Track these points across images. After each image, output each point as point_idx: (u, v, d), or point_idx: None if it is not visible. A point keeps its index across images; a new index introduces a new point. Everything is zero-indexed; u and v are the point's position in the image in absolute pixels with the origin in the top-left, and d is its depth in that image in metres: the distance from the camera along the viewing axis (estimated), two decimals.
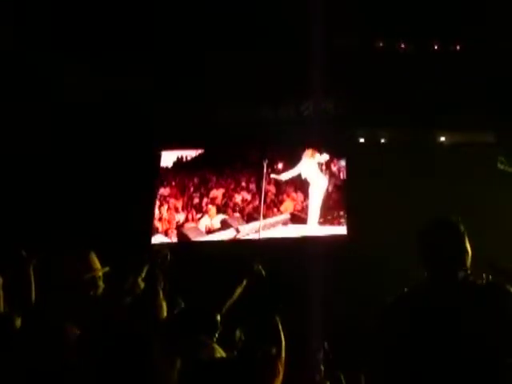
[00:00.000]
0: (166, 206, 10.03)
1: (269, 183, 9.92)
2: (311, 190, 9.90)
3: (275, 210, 9.83)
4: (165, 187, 10.14)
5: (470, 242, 2.36)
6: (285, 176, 9.84)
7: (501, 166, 10.60)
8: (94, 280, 3.03)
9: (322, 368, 6.06)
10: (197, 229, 9.80)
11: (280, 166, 9.99)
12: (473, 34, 10.76)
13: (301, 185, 10.05)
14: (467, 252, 2.33)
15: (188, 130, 10.91)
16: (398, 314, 2.31)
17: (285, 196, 9.89)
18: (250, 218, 9.78)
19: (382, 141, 11.84)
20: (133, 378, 1.17)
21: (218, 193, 9.94)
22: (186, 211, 9.90)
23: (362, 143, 11.79)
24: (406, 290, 2.44)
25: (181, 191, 10.00)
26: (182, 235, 9.75)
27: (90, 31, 9.44)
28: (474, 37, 10.83)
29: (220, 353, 3.73)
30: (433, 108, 10.50)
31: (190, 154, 10.29)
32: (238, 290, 3.23)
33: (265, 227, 9.67)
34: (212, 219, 9.82)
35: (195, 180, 10.04)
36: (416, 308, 2.26)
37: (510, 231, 9.50)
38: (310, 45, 10.53)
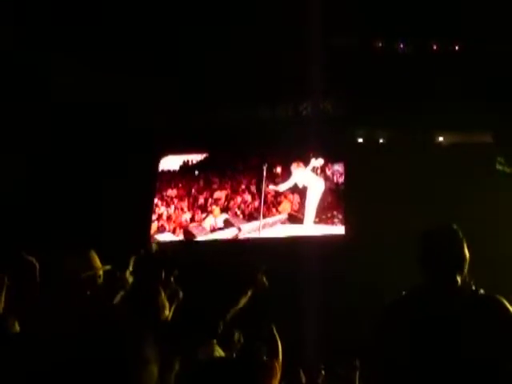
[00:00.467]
0: (173, 207, 10.70)
1: (268, 185, 10.58)
2: (309, 193, 10.45)
3: (274, 210, 10.48)
4: (172, 189, 10.83)
5: (468, 244, 2.37)
6: (282, 187, 10.53)
7: (499, 167, 10.61)
8: (94, 278, 2.95)
9: (323, 372, 6.00)
10: (202, 227, 10.49)
11: (278, 169, 10.66)
12: (471, 35, 10.77)
13: (297, 187, 10.74)
14: (465, 258, 2.33)
15: (189, 132, 10.97)
16: (395, 317, 2.31)
17: (283, 197, 10.57)
18: (250, 217, 10.46)
19: (381, 141, 11.85)
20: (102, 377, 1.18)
21: (221, 194, 10.69)
22: (191, 211, 10.64)
23: (360, 143, 11.81)
24: (403, 293, 2.43)
25: (187, 193, 10.81)
26: (188, 233, 10.46)
27: (90, 32, 9.43)
28: (473, 37, 10.85)
29: (219, 353, 3.75)
30: (431, 108, 10.50)
31: (194, 158, 10.98)
32: (243, 301, 3.25)
33: (264, 226, 10.34)
34: (216, 218, 10.54)
35: (200, 182, 10.78)
36: (413, 312, 2.25)
37: (509, 230, 9.51)
38: (308, 45, 10.55)
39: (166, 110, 10.87)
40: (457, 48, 11.28)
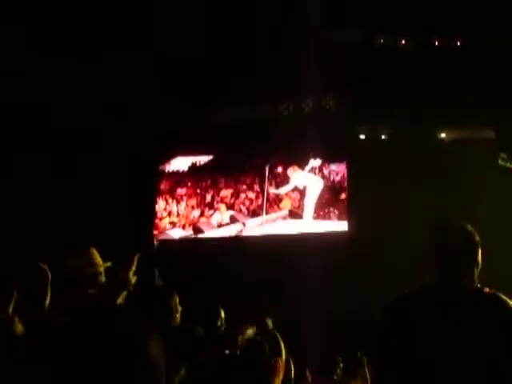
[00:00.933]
0: (183, 204, 11.52)
1: (270, 184, 11.24)
2: (308, 191, 11.07)
3: (276, 207, 11.18)
4: (181, 188, 11.67)
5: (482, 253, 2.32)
6: (282, 190, 11.22)
7: (502, 162, 10.58)
8: (95, 275, 2.97)
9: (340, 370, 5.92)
10: (209, 223, 11.31)
11: (280, 169, 11.33)
12: (473, 30, 10.73)
13: (297, 188, 11.39)
14: (478, 263, 2.30)
15: (190, 130, 11.06)
16: (400, 314, 2.29)
17: (283, 195, 11.22)
18: (254, 213, 11.25)
19: (383, 137, 11.84)
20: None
21: (227, 193, 11.47)
22: (200, 208, 11.47)
23: (362, 140, 11.80)
24: (406, 290, 2.41)
25: (195, 191, 11.60)
26: (196, 228, 11.28)
27: (90, 37, 9.40)
28: (475, 33, 10.81)
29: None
30: (433, 104, 10.47)
31: (202, 159, 11.77)
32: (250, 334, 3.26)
33: (267, 222, 11.07)
34: (222, 215, 11.33)
35: (208, 182, 11.61)
36: (418, 310, 2.24)
37: (511, 225, 9.50)
38: (310, 41, 10.52)
39: (167, 110, 10.96)
40: (459, 43, 11.23)
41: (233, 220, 11.23)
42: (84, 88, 9.94)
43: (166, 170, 11.84)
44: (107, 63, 9.95)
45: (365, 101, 11.07)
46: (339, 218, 10.79)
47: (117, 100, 10.41)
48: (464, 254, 2.28)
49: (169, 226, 11.44)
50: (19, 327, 2.75)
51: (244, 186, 11.41)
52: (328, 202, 10.88)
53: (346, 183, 11.00)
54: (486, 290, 2.25)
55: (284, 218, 11.06)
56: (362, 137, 11.79)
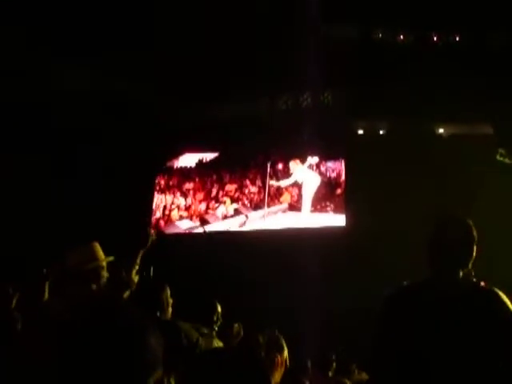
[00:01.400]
0: (190, 198, 12.36)
1: (271, 179, 12.04)
2: (306, 186, 11.79)
3: (276, 200, 11.93)
4: (189, 183, 12.46)
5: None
6: (283, 183, 11.95)
7: (500, 158, 10.58)
8: (97, 270, 2.93)
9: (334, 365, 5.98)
10: (215, 215, 12.09)
11: (280, 166, 12.11)
12: (472, 26, 10.71)
13: (297, 182, 12.11)
14: (473, 256, 2.33)
15: (190, 128, 11.11)
16: (397, 308, 2.31)
17: (284, 190, 11.98)
18: (256, 206, 11.99)
19: (381, 132, 11.85)
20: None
21: (231, 187, 12.27)
22: (206, 201, 12.26)
23: (360, 135, 11.81)
24: (405, 283, 2.42)
25: (202, 186, 12.40)
26: (203, 220, 12.05)
27: (90, 37, 9.42)
28: (474, 28, 10.79)
29: (219, 345, 3.78)
30: (432, 100, 10.46)
31: (208, 156, 12.62)
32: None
33: (268, 214, 11.82)
34: (227, 208, 12.10)
35: (213, 177, 12.42)
36: (415, 303, 2.26)
37: (509, 221, 9.50)
38: (308, 36, 10.51)
39: (166, 109, 11.00)
40: (457, 39, 11.22)
41: (237, 213, 12.00)
42: (84, 88, 9.98)
43: (175, 166, 12.63)
44: (107, 63, 9.97)
45: (363, 96, 11.08)
46: (335, 211, 11.52)
47: (117, 100, 10.45)
48: (463, 246, 2.32)
49: (177, 218, 12.19)
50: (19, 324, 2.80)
51: (247, 181, 12.17)
52: (324, 196, 11.60)
53: (341, 179, 11.62)
54: (482, 284, 2.29)
55: (284, 211, 11.81)
56: (361, 132, 11.82)
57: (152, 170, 12.13)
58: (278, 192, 11.87)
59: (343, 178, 11.54)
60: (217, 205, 12.11)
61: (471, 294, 2.25)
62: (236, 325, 4.78)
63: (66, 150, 10.02)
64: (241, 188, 12.13)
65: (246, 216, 11.86)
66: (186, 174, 12.54)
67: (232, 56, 10.50)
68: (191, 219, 12.11)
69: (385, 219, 9.83)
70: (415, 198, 9.69)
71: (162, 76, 10.44)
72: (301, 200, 11.74)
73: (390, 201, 10.00)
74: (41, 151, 9.57)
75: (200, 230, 11.78)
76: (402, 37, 11.44)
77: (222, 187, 12.25)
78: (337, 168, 11.74)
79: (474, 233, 2.35)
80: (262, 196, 11.91)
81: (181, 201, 12.30)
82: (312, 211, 11.61)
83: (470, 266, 2.33)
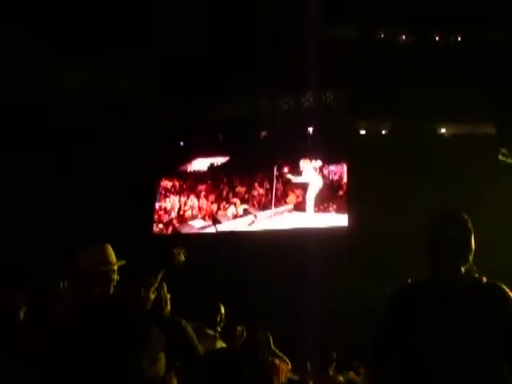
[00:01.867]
0: (203, 199, 13.37)
1: (278, 182, 12.97)
2: (310, 188, 12.52)
3: (282, 201, 12.79)
4: (202, 185, 13.52)
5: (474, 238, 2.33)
6: (296, 180, 12.80)
7: (502, 158, 10.57)
8: (108, 273, 2.89)
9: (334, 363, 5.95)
10: (226, 215, 13.11)
11: (286, 169, 12.98)
12: (473, 25, 10.70)
13: (302, 183, 12.92)
14: (472, 249, 2.31)
15: (190, 128, 11.14)
16: (400, 306, 2.29)
17: (289, 191, 12.85)
18: (264, 207, 12.95)
19: (383, 132, 11.84)
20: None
21: (241, 189, 13.26)
22: (217, 202, 13.30)
23: (362, 135, 11.80)
24: (408, 281, 2.40)
25: (214, 188, 13.45)
26: (215, 219, 13.13)
27: (90, 37, 9.41)
28: (475, 28, 10.77)
29: (222, 345, 3.77)
30: (433, 99, 10.44)
31: (219, 160, 13.55)
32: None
33: (275, 214, 12.73)
34: (237, 208, 13.09)
35: (224, 180, 13.42)
36: (417, 301, 2.25)
37: (510, 221, 9.49)
38: (309, 36, 10.50)
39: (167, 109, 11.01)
40: (459, 38, 11.20)
41: (246, 213, 13.01)
42: (84, 88, 9.98)
43: (188, 170, 13.66)
44: (107, 63, 9.96)
45: (365, 96, 11.07)
46: (337, 211, 12.12)
47: (117, 100, 10.46)
48: (461, 242, 2.31)
49: (191, 218, 13.30)
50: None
51: (256, 184, 13.22)
52: (327, 197, 12.33)
53: (343, 182, 12.23)
54: (484, 279, 2.27)
55: (290, 211, 12.70)
56: (363, 132, 11.81)
57: (152, 169, 12.30)
58: (284, 194, 12.76)
59: (345, 180, 12.16)
60: (227, 205, 13.16)
61: (474, 292, 2.23)
62: (239, 327, 4.77)
63: (66, 150, 10.03)
64: (250, 190, 13.14)
65: (255, 216, 12.87)
66: (198, 177, 13.69)
67: (232, 56, 10.48)
68: (204, 219, 13.25)
69: (387, 219, 9.83)
70: (417, 197, 9.68)
71: (161, 76, 10.43)
72: (305, 201, 12.51)
73: (392, 201, 10.00)
74: (41, 151, 9.57)
75: (212, 228, 12.84)
76: (403, 37, 11.42)
77: (232, 189, 13.30)
78: (339, 171, 12.39)
79: (469, 225, 2.32)
80: (269, 197, 12.88)
81: (194, 202, 13.41)
82: (315, 211, 12.32)
83: (470, 259, 2.31)
